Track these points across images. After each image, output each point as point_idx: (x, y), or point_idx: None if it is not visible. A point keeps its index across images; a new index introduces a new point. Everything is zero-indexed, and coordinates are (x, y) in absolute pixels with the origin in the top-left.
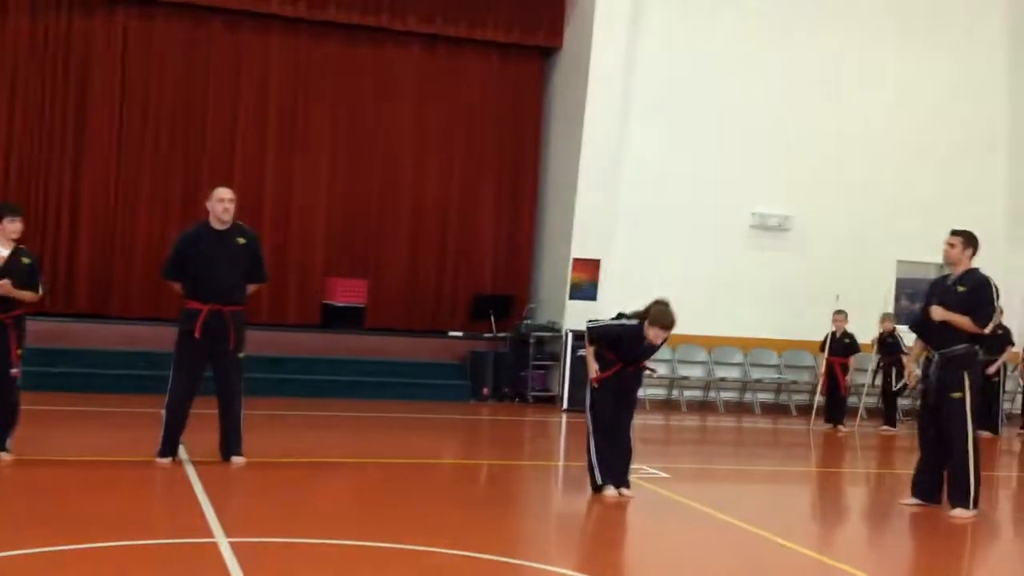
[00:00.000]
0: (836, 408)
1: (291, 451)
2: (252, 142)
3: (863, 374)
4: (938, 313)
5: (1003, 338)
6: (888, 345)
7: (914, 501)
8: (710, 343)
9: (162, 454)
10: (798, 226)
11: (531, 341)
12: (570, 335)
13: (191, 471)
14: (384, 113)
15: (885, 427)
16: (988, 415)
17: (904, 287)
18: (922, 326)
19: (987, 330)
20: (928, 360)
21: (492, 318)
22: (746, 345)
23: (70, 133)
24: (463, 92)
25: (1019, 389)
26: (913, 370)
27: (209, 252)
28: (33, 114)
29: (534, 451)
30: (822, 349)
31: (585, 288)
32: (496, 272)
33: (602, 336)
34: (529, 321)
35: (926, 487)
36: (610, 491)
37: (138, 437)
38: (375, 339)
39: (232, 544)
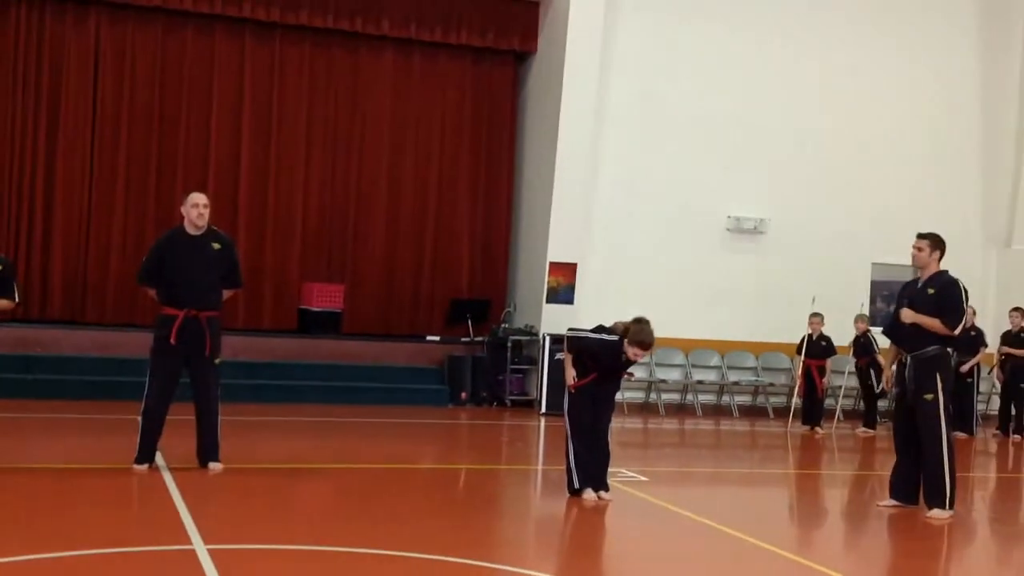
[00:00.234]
0: (813, 410)
1: (269, 457)
2: (227, 147)
3: (840, 376)
4: (908, 315)
5: (976, 339)
6: (862, 346)
7: (891, 502)
8: (687, 346)
9: (139, 461)
10: (773, 229)
11: (508, 345)
12: (547, 339)
13: (168, 478)
14: (359, 118)
15: (863, 428)
16: (963, 416)
17: (879, 289)
18: (894, 330)
19: (957, 331)
20: (901, 363)
21: (469, 322)
22: (723, 348)
23: (42, 138)
24: (438, 97)
25: (994, 390)
26: (890, 374)
27: (184, 257)
28: (4, 119)
29: (512, 455)
30: (799, 351)
31: (562, 292)
32: (473, 276)
33: (582, 348)
34: (506, 325)
35: (903, 488)
36: (588, 494)
37: (114, 444)
38: (352, 344)
39: (210, 551)
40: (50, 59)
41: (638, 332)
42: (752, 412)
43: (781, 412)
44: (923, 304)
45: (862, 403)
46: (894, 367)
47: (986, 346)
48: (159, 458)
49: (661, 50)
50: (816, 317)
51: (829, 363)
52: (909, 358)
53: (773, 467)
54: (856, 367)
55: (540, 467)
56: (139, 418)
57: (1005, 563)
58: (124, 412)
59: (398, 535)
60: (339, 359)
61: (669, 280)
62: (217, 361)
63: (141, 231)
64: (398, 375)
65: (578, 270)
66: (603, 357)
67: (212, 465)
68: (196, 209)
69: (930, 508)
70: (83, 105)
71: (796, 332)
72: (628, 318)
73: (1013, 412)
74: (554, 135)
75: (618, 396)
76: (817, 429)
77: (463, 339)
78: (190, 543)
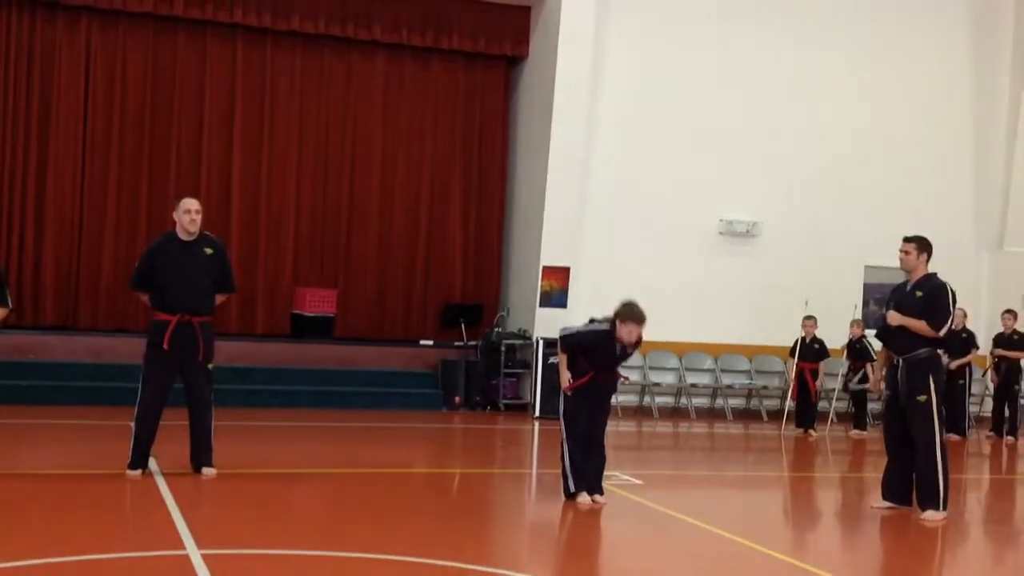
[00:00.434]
0: (807, 413)
1: (262, 462)
2: (219, 153)
3: (833, 379)
4: (894, 318)
5: (967, 341)
6: (857, 351)
7: (885, 504)
8: (681, 349)
9: (132, 466)
10: (766, 232)
11: (502, 349)
12: (541, 343)
13: (161, 483)
14: (351, 123)
15: (856, 431)
16: (955, 418)
17: (872, 292)
18: (885, 332)
19: (942, 333)
20: (893, 365)
21: (463, 326)
22: (716, 351)
23: (34, 145)
24: (430, 101)
25: (987, 392)
26: (881, 376)
27: (176, 263)
28: None
29: (506, 459)
30: (792, 354)
31: (555, 296)
32: (466, 280)
33: (575, 345)
34: (499, 329)
35: (896, 489)
36: (583, 498)
37: (107, 449)
38: (345, 349)
39: (204, 556)
40: (41, 65)
41: (628, 309)
42: (746, 415)
43: (774, 415)
44: (910, 307)
45: (854, 406)
46: (884, 369)
47: (978, 348)
48: (152, 463)
49: (652, 54)
50: (809, 320)
51: (822, 366)
52: (901, 360)
53: (767, 470)
54: (849, 370)
55: (534, 471)
56: (132, 423)
57: (999, 564)
58: (117, 418)
59: (392, 539)
60: (332, 364)
61: (662, 283)
62: (210, 366)
63: (133, 237)
64: (391, 379)
65: (571, 274)
66: (597, 348)
67: (206, 470)
68: (188, 215)
69: (924, 510)
70: (74, 111)
71: (789, 335)
72: None
73: (1006, 414)
74: (546, 139)
75: (612, 400)
76: (810, 432)
77: (456, 343)
78: (184, 548)
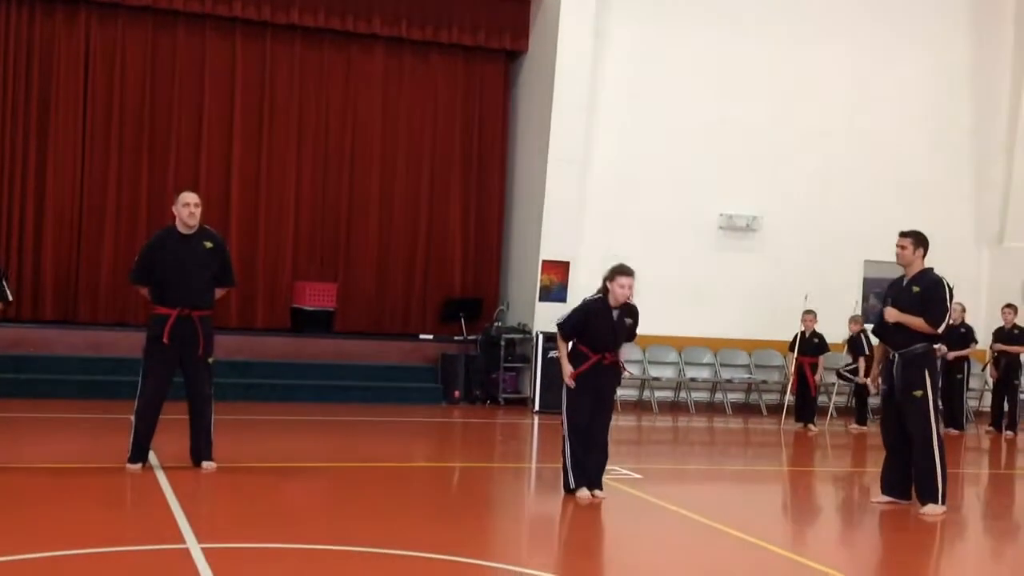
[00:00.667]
0: (806, 407)
1: (263, 456)
2: (218, 146)
3: (833, 373)
4: (891, 315)
5: (966, 336)
6: (858, 345)
7: (885, 499)
8: (680, 344)
9: (132, 460)
10: (766, 227)
11: (502, 343)
12: (540, 337)
13: (161, 477)
14: (350, 117)
15: (855, 425)
16: (952, 413)
17: (872, 286)
18: (881, 328)
19: (940, 330)
20: (889, 360)
21: (462, 321)
22: (716, 345)
23: (33, 139)
24: (429, 95)
25: (986, 387)
26: (877, 372)
27: (176, 256)
28: None
29: (506, 453)
30: (791, 349)
31: (555, 290)
32: (465, 275)
33: (571, 326)
34: (499, 323)
35: (896, 484)
36: (583, 493)
37: (107, 443)
38: (345, 343)
39: (204, 550)
40: (40, 59)
41: (614, 266)
42: (745, 409)
43: (774, 409)
44: (907, 302)
45: (854, 400)
46: (880, 364)
47: (976, 342)
48: (152, 457)
49: (652, 48)
50: (809, 314)
51: (822, 360)
52: (897, 356)
53: (766, 464)
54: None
55: (534, 465)
56: (132, 417)
57: (999, 558)
58: (117, 412)
59: (392, 533)
60: (332, 358)
61: (662, 278)
62: (210, 360)
63: (133, 231)
64: (391, 374)
65: (571, 268)
66: (595, 321)
67: (205, 464)
68: (187, 208)
69: (923, 504)
70: (74, 105)
71: (789, 329)
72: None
73: (1006, 408)
74: (546, 133)
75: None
76: (810, 426)
77: (456, 337)
78: (184, 542)
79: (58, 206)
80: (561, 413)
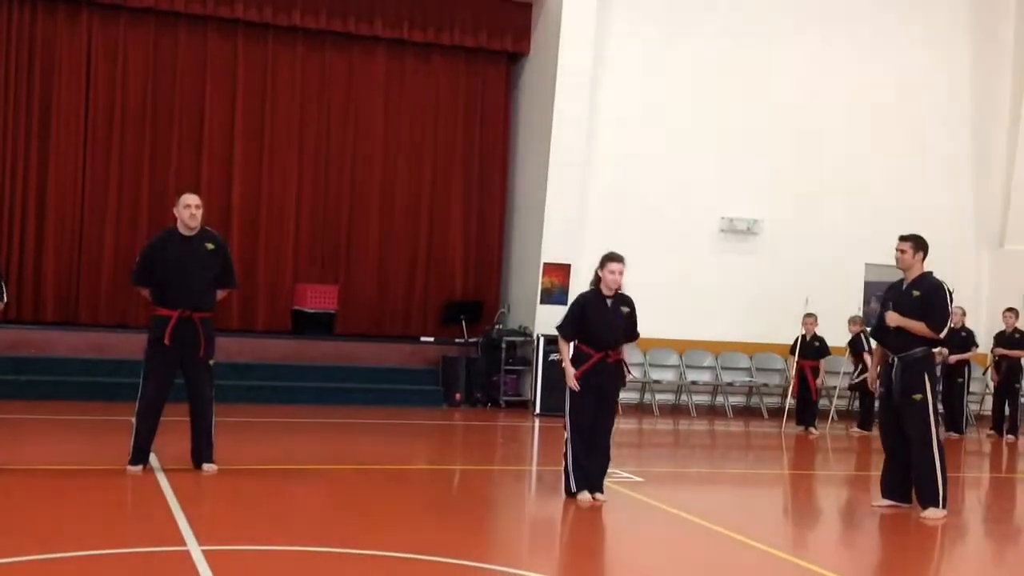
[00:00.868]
0: (807, 411)
1: (263, 458)
2: (220, 148)
3: (834, 376)
4: (893, 319)
5: (967, 339)
6: (858, 346)
7: (885, 502)
8: (681, 347)
9: (133, 462)
10: (767, 230)
11: (503, 346)
12: (541, 339)
13: (162, 479)
14: (352, 119)
15: (857, 429)
16: (953, 417)
17: (873, 290)
18: (880, 331)
19: (942, 335)
20: (889, 363)
21: (463, 323)
22: (717, 348)
23: (35, 140)
24: (431, 97)
25: (987, 390)
26: (875, 374)
27: (177, 258)
28: None
29: (507, 456)
30: (792, 352)
31: (556, 293)
32: (467, 277)
33: (569, 321)
34: (500, 326)
35: (896, 488)
36: (583, 496)
37: (108, 445)
38: (346, 345)
39: (205, 552)
40: (42, 60)
41: (605, 254)
42: (746, 413)
43: (775, 413)
44: (908, 306)
45: (857, 403)
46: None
47: (977, 346)
48: (153, 459)
49: (654, 50)
50: (810, 318)
51: (823, 363)
52: (896, 359)
53: (767, 467)
54: (855, 369)
55: (535, 468)
56: (133, 419)
57: (1000, 562)
58: (118, 413)
59: (393, 536)
60: (333, 360)
61: (663, 281)
62: (211, 362)
63: (134, 232)
64: (392, 376)
65: (572, 271)
66: (591, 313)
67: (206, 466)
68: (188, 210)
69: (924, 508)
70: (75, 106)
71: (790, 333)
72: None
73: (1007, 412)
74: (547, 135)
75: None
76: (811, 429)
77: (457, 340)
78: (184, 544)
79: (59, 207)
80: (564, 415)
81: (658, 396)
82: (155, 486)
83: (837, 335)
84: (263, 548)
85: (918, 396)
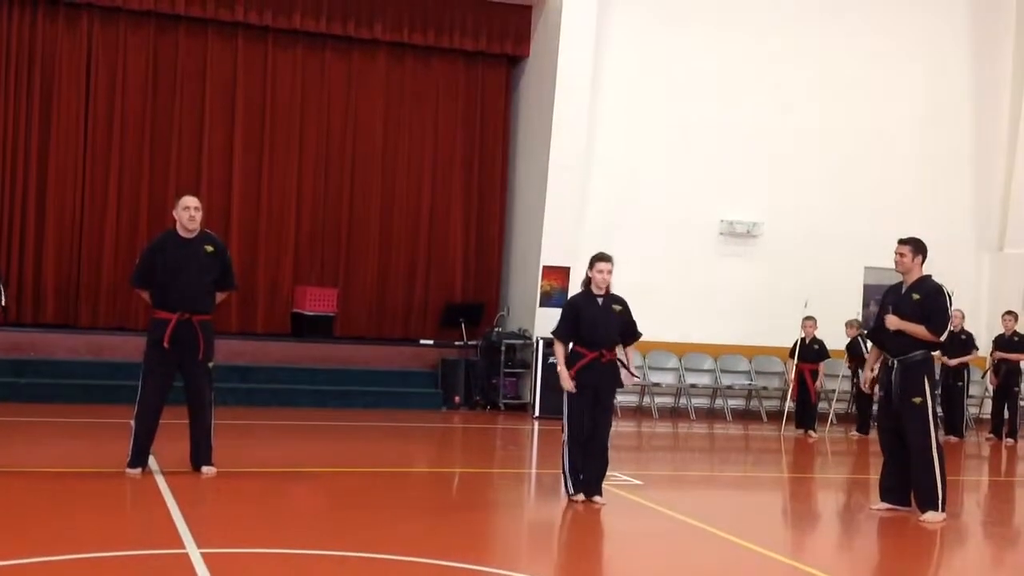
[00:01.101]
0: (806, 414)
1: (262, 461)
2: (219, 151)
3: (833, 380)
4: (892, 322)
5: (967, 342)
6: (856, 350)
7: (884, 505)
8: (680, 350)
9: (132, 464)
10: (767, 233)
11: (502, 349)
12: (541, 342)
13: (161, 481)
14: (352, 122)
15: (856, 432)
16: (952, 420)
17: (872, 293)
18: (879, 333)
19: (943, 338)
20: (888, 367)
21: (463, 326)
22: (716, 351)
23: (35, 142)
24: (431, 100)
25: (986, 394)
26: (871, 376)
27: (176, 260)
28: None
29: (506, 459)
30: (792, 355)
31: (555, 295)
32: (466, 280)
33: (562, 322)
34: (500, 329)
35: (894, 491)
36: (581, 499)
37: (107, 448)
38: (345, 348)
39: (204, 555)
40: (42, 62)
41: (593, 255)
42: (745, 416)
43: (774, 416)
44: (908, 310)
45: (855, 407)
46: (877, 370)
47: (977, 349)
48: (152, 462)
49: (654, 54)
50: (809, 320)
51: (822, 367)
52: (895, 362)
53: (766, 471)
54: (855, 373)
55: (534, 471)
56: (132, 422)
57: (999, 565)
58: (117, 416)
59: (392, 539)
60: (332, 363)
61: (662, 284)
62: (210, 364)
63: (134, 235)
64: (391, 379)
65: (571, 274)
66: (581, 310)
67: (205, 469)
68: (187, 212)
69: (923, 511)
70: (75, 108)
71: (789, 336)
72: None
73: (1006, 416)
74: (547, 138)
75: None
76: (810, 433)
77: (456, 343)
78: (183, 547)
79: (59, 210)
80: (562, 419)
81: (657, 399)
82: (154, 488)
83: (837, 338)
84: (262, 551)
85: (917, 399)
